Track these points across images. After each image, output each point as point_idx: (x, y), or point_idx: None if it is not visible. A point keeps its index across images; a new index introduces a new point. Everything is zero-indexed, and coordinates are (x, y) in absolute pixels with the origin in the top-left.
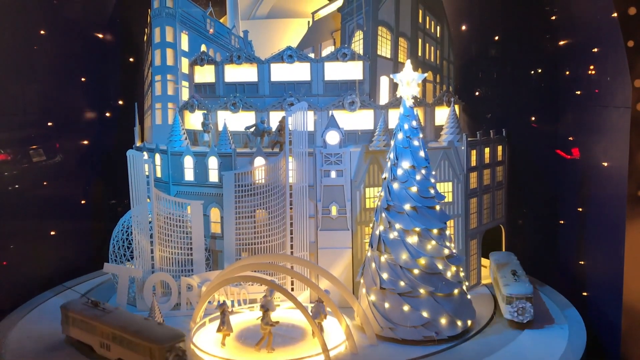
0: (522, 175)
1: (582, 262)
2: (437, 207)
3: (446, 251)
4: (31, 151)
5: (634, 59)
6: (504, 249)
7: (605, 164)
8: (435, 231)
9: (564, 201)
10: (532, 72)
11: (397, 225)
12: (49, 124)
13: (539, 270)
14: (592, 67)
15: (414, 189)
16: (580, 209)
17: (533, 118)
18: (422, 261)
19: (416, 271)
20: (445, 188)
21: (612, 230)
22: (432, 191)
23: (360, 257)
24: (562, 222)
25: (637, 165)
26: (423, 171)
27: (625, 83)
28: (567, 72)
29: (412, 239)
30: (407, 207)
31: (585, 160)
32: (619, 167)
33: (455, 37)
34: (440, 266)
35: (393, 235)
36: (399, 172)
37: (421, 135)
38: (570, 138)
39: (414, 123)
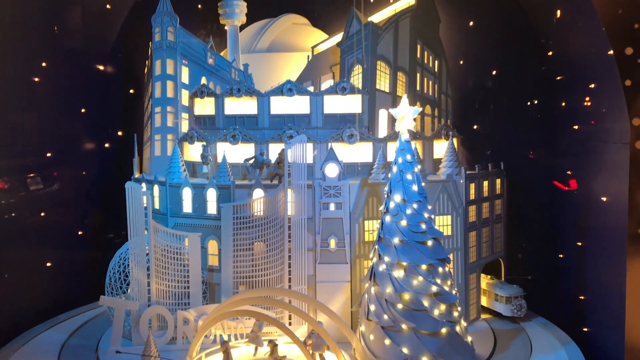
0: (521, 208)
1: (583, 297)
2: (429, 243)
3: (434, 288)
4: (29, 179)
5: (631, 97)
6: None
7: (604, 199)
8: (423, 267)
9: (563, 235)
10: (529, 103)
11: (386, 258)
12: (48, 154)
13: (540, 305)
14: (589, 101)
15: (404, 222)
16: (580, 244)
17: (531, 151)
18: (406, 296)
19: (400, 306)
20: (444, 221)
21: (613, 266)
22: (424, 226)
23: (359, 291)
24: (561, 256)
25: (637, 203)
26: (414, 205)
27: (623, 119)
28: (563, 104)
29: (398, 273)
30: (395, 240)
31: (584, 195)
32: (618, 202)
33: (453, 72)
34: (426, 303)
35: (382, 267)
36: (391, 205)
37: (416, 169)
38: (569, 172)
39: (408, 157)
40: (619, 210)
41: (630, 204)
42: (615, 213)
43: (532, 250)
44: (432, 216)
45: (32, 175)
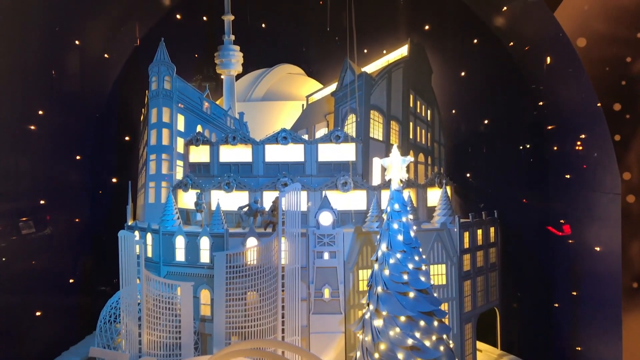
0: (515, 256)
1: (579, 349)
2: (411, 294)
3: (410, 341)
4: (21, 223)
5: (621, 152)
6: (499, 333)
7: (598, 249)
8: (402, 318)
9: (558, 284)
10: (521, 147)
11: (370, 306)
12: (41, 200)
13: (536, 355)
14: (580, 151)
15: (387, 272)
16: (575, 293)
17: (524, 197)
18: (382, 346)
19: (376, 355)
20: (439, 270)
21: (609, 318)
22: (406, 277)
23: (353, 341)
24: (556, 305)
25: (631, 257)
26: (398, 255)
27: (614, 170)
28: (555, 148)
29: (378, 322)
30: (379, 289)
31: (578, 243)
32: (611, 253)
33: (446, 120)
34: (400, 356)
35: (367, 315)
36: (379, 253)
37: (404, 219)
38: (562, 221)
39: (396, 206)
40: (612, 261)
41: (623, 257)
42: (609, 263)
43: (528, 299)
44: (423, 266)
45: (24, 219)
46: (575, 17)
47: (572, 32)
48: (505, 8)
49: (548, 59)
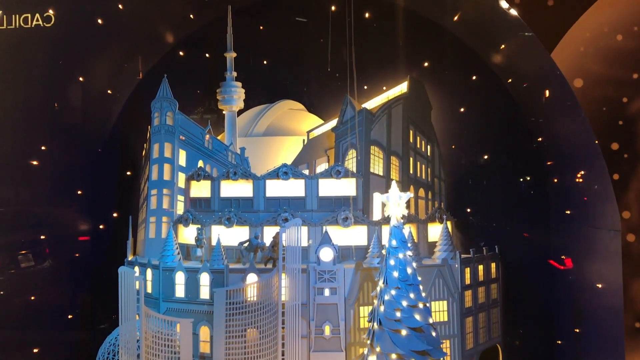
0: (517, 292)
1: None
2: (403, 332)
3: None
4: (20, 256)
5: (620, 191)
6: None
7: (600, 286)
8: (393, 356)
9: (560, 320)
10: (522, 179)
11: (368, 342)
12: (41, 234)
13: None
14: (579, 187)
15: (382, 308)
16: (578, 330)
17: (525, 234)
18: None
19: None
20: (440, 307)
21: (612, 355)
22: (399, 314)
23: None
24: (559, 342)
25: (632, 296)
26: (392, 292)
27: (613, 207)
28: (556, 180)
29: (372, 358)
30: (375, 325)
31: (580, 279)
32: (613, 290)
33: (446, 156)
34: None
35: (366, 350)
36: (377, 289)
37: (401, 255)
38: (563, 257)
39: (394, 242)
40: (614, 299)
41: (625, 296)
42: (611, 301)
43: (530, 336)
44: (420, 304)
45: (23, 252)
46: (571, 58)
47: (569, 73)
48: (503, 46)
49: (546, 97)
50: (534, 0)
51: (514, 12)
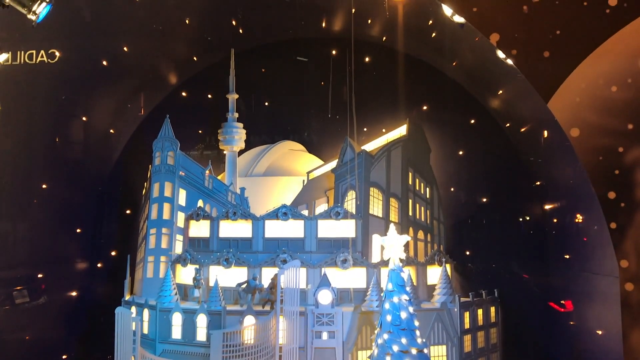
0: (517, 337)
1: None
2: None
3: None
4: (15, 292)
5: (617, 240)
6: None
7: (600, 332)
8: None
9: None
10: (520, 219)
11: None
12: (39, 272)
13: None
14: (577, 231)
15: (375, 352)
16: None
17: (525, 275)
18: None
19: None
20: (439, 352)
21: None
22: (388, 358)
23: None
24: None
25: (632, 346)
26: (385, 336)
27: (611, 254)
28: (555, 220)
29: None
30: None
31: (579, 325)
32: (613, 337)
33: (445, 198)
34: None
35: None
36: (375, 332)
37: (395, 299)
38: (562, 301)
39: (390, 286)
40: (614, 346)
41: (625, 345)
42: (611, 348)
43: None
44: (414, 350)
45: (19, 288)
46: (568, 108)
47: (565, 122)
48: (500, 91)
49: (543, 144)
50: (530, 51)
51: (510, 62)
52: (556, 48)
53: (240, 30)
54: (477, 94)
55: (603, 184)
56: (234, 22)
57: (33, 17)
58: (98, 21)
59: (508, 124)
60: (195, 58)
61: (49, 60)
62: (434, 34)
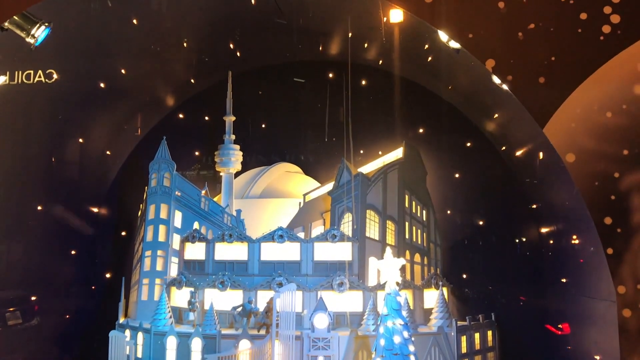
0: None
1: None
2: None
3: None
4: (7, 313)
5: (614, 265)
6: None
7: (598, 358)
8: None
9: None
10: (517, 240)
11: None
12: (32, 294)
13: None
14: (573, 254)
15: None
16: None
17: (522, 297)
18: None
19: None
20: None
21: None
22: None
23: None
24: None
25: None
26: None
27: (607, 279)
28: (551, 241)
29: None
30: None
31: (577, 350)
32: None
33: (441, 221)
34: None
35: None
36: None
37: (389, 323)
38: (560, 325)
39: (385, 310)
40: None
41: None
42: None
43: None
44: None
45: (11, 309)
46: (563, 133)
47: (561, 147)
48: (496, 115)
49: (539, 168)
50: (525, 76)
51: (505, 87)
52: (551, 74)
53: (238, 54)
54: (473, 117)
55: (599, 209)
56: (231, 45)
57: (32, 41)
58: (96, 43)
59: (504, 147)
60: (192, 80)
61: (46, 80)
62: (429, 58)
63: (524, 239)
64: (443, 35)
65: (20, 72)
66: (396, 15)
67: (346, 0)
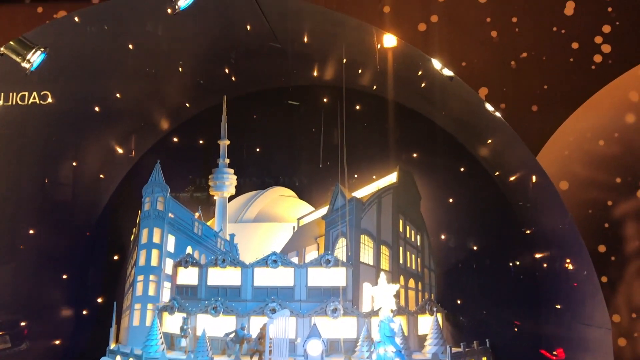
0: None
1: None
2: None
3: None
4: None
5: (609, 294)
6: None
7: None
8: None
9: None
10: (511, 264)
11: None
12: (21, 317)
13: None
14: (568, 281)
15: None
16: None
17: (516, 322)
18: None
19: None
20: None
21: None
22: None
23: None
24: None
25: None
26: None
27: (603, 308)
28: (545, 265)
29: None
30: None
31: None
32: None
33: (435, 246)
34: None
35: None
36: None
37: (382, 350)
38: (555, 352)
39: (378, 337)
40: None
41: None
42: None
43: None
44: None
45: (1, 333)
46: (557, 161)
47: (554, 175)
48: (489, 141)
49: (532, 195)
50: (518, 104)
51: (498, 114)
52: (544, 102)
53: (233, 78)
54: (466, 142)
55: (593, 237)
56: (227, 70)
57: (27, 65)
58: (91, 66)
59: (497, 173)
60: (187, 104)
61: (41, 101)
62: (423, 84)
63: (518, 263)
64: (437, 63)
65: (14, 93)
66: (390, 40)
67: (341, 27)
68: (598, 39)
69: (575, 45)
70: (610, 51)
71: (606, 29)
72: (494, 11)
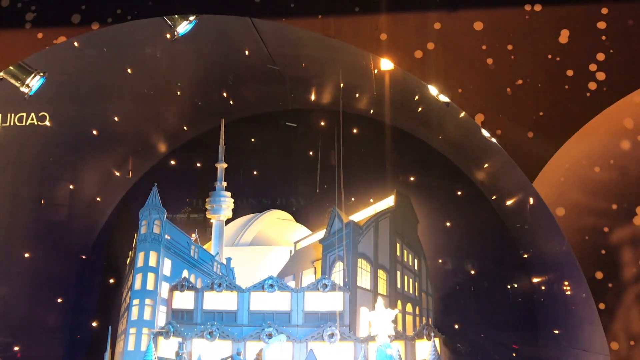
0: None
1: None
2: None
3: None
4: None
5: (606, 321)
6: None
7: None
8: None
9: None
10: (509, 286)
11: None
12: (16, 344)
13: None
14: (565, 306)
15: None
16: None
17: (514, 346)
18: None
19: None
20: None
21: None
22: None
23: None
24: None
25: None
26: None
27: (601, 334)
28: (543, 287)
29: None
30: None
31: None
32: None
33: (433, 270)
34: None
35: None
36: None
37: None
38: None
39: None
40: None
41: None
42: None
43: None
44: None
45: None
46: (553, 187)
47: (551, 201)
48: (486, 165)
49: (529, 221)
50: (514, 131)
51: (494, 140)
52: (540, 129)
53: (231, 102)
54: (463, 166)
55: (590, 263)
56: (225, 94)
57: (26, 90)
58: (89, 90)
59: (494, 197)
60: (185, 128)
61: (38, 122)
62: (420, 109)
63: (516, 286)
64: (433, 89)
65: (13, 114)
66: (386, 64)
67: (338, 52)
68: (592, 67)
69: (570, 73)
70: (605, 78)
71: (600, 56)
72: (490, 39)
